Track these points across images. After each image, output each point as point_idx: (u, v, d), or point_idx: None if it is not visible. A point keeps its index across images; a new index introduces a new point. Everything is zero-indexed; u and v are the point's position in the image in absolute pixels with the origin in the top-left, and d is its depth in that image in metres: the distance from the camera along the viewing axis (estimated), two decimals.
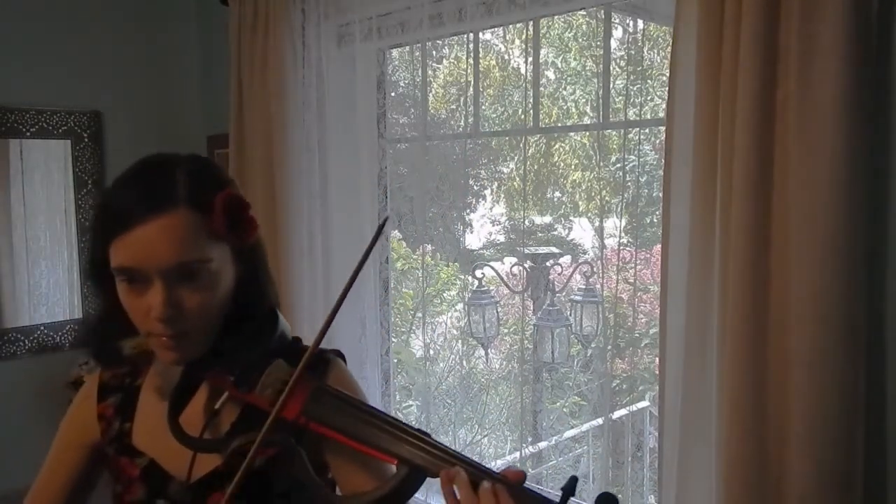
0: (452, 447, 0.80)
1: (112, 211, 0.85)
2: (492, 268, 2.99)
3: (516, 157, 4.57)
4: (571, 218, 4.86)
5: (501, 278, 3.14)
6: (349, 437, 0.81)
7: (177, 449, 0.87)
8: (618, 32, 2.88)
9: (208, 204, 0.85)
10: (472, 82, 2.06)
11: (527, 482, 0.75)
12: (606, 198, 1.92)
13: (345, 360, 1.00)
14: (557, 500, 0.73)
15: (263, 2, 2.16)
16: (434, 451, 0.77)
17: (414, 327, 3.82)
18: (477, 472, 0.74)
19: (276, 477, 0.90)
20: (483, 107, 4.14)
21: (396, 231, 3.01)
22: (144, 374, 1.01)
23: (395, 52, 2.43)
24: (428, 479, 0.78)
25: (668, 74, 1.42)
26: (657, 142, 3.16)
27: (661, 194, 1.48)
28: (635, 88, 1.70)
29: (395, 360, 2.58)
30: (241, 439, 0.84)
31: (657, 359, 1.53)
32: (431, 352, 2.80)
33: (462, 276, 4.26)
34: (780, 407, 1.28)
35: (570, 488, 0.73)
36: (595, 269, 2.66)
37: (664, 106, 1.45)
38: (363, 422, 0.81)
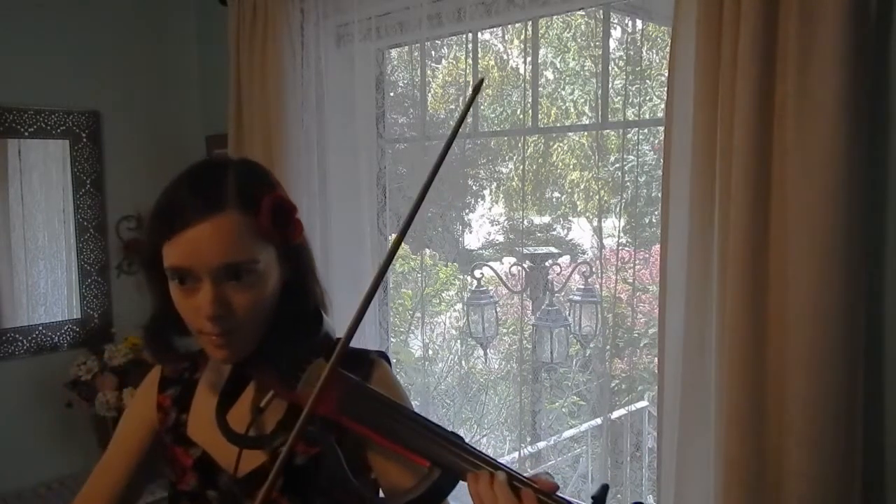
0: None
1: (164, 213, 0.87)
2: (490, 268, 2.98)
3: (515, 157, 4.58)
4: (570, 218, 4.86)
5: (500, 278, 3.14)
6: (382, 435, 0.81)
7: (227, 443, 0.89)
8: (616, 32, 2.88)
9: (256, 206, 0.87)
10: (471, 82, 2.06)
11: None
12: (605, 198, 1.93)
13: (389, 362, 1.02)
14: None
15: (262, 2, 2.15)
16: (467, 456, 0.78)
17: (413, 327, 3.82)
18: (513, 477, 0.75)
19: (318, 475, 0.92)
20: (482, 107, 4.13)
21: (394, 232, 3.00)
22: (203, 368, 1.05)
23: (393, 52, 2.43)
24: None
25: (666, 74, 1.42)
26: (656, 142, 3.16)
27: (659, 194, 1.48)
28: (634, 88, 1.70)
29: (395, 360, 2.57)
30: (283, 437, 0.85)
31: (656, 359, 1.53)
32: (430, 352, 2.81)
33: (461, 276, 4.25)
34: (778, 407, 1.28)
35: (601, 497, 0.73)
36: (594, 269, 2.66)
37: (663, 106, 1.45)
38: (397, 421, 0.81)
